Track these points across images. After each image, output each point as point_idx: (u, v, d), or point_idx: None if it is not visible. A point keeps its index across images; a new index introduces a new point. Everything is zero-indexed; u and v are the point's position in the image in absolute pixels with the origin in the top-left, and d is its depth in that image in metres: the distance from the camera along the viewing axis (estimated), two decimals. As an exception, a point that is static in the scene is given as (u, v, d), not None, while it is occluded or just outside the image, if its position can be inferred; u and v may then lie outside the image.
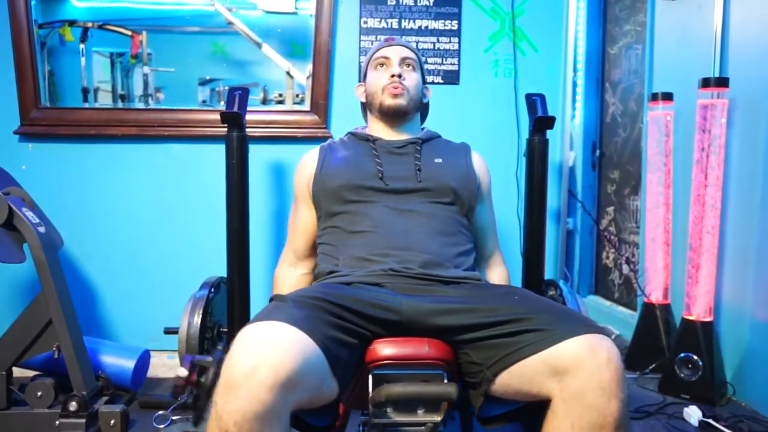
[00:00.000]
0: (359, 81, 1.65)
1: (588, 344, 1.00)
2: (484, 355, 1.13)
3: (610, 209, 3.09)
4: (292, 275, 1.59)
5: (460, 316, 1.15)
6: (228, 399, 0.90)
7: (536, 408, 1.09)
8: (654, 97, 2.40)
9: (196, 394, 1.12)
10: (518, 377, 1.08)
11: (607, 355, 0.98)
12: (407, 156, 1.51)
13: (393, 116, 1.53)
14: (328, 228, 1.45)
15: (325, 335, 1.03)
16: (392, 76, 1.52)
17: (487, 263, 1.62)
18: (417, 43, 2.56)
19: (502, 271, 1.63)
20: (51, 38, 2.71)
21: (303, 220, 1.57)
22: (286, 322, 0.98)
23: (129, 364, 2.16)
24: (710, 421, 1.88)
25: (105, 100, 2.86)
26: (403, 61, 1.55)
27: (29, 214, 1.93)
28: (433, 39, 2.56)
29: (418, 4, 2.56)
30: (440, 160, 1.50)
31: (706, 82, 2.08)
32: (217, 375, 1.04)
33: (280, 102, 2.74)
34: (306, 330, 0.99)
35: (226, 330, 1.94)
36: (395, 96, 1.51)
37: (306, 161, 1.58)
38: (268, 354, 0.92)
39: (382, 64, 1.56)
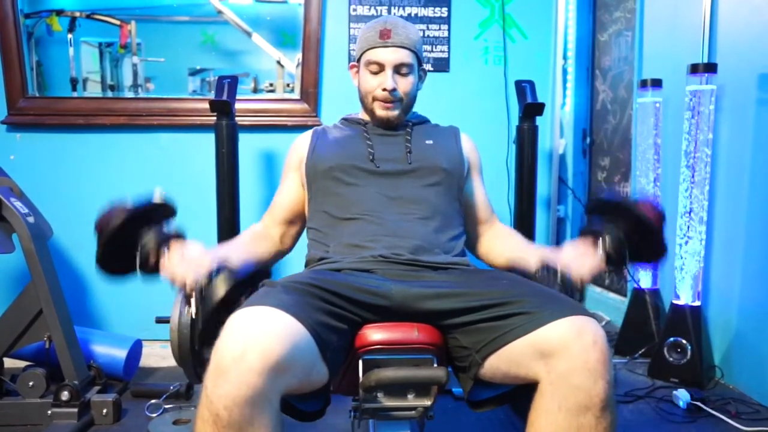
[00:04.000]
0: (350, 63, 1.62)
1: (574, 326, 1.01)
2: (473, 339, 1.13)
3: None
4: (258, 231, 1.54)
5: (449, 301, 1.15)
6: (218, 383, 0.90)
7: (525, 391, 1.10)
8: (643, 84, 2.41)
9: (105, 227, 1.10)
10: (506, 360, 1.09)
11: (593, 337, 0.99)
12: (398, 137, 1.51)
13: (384, 125, 1.52)
14: (318, 212, 1.44)
15: (314, 320, 1.03)
16: (384, 89, 1.45)
17: (493, 225, 1.60)
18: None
19: (508, 227, 1.62)
20: (38, 28, 2.69)
21: (287, 194, 1.54)
22: (276, 307, 0.99)
23: (121, 353, 2.16)
24: (698, 403, 1.90)
25: (94, 90, 2.84)
26: (399, 68, 1.46)
27: (18, 204, 1.92)
28: (423, 26, 2.56)
29: (408, -9, 2.55)
30: (431, 142, 1.50)
31: (694, 68, 2.09)
32: (138, 214, 1.12)
33: (271, 91, 2.73)
34: (295, 315, 0.99)
35: (217, 319, 1.95)
36: (387, 109, 1.48)
37: (298, 143, 1.58)
38: (258, 338, 0.92)
39: (375, 72, 1.47)
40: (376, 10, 2.54)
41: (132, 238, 1.14)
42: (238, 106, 2.09)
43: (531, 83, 2.09)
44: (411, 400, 1.12)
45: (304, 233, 1.54)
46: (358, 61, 1.52)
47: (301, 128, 2.46)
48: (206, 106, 2.03)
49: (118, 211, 1.13)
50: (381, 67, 1.46)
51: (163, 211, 1.22)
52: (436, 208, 1.42)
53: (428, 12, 2.56)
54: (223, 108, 1.98)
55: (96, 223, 1.12)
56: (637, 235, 1.19)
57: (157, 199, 1.17)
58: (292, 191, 1.55)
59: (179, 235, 1.20)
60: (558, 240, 3.02)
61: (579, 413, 0.98)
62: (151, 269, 1.17)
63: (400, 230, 1.35)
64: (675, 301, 2.18)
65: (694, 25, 2.19)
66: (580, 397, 0.97)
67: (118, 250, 1.14)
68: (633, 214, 1.19)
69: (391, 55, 1.45)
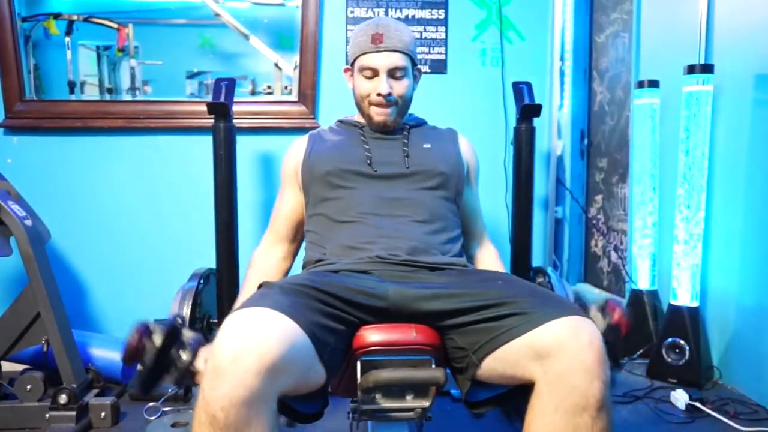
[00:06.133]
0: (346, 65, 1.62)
1: (570, 326, 1.01)
2: (470, 339, 1.13)
3: (599, 197, 3.10)
4: (269, 257, 1.55)
5: (446, 301, 1.15)
6: (214, 385, 0.90)
7: (522, 391, 1.10)
8: (640, 85, 2.42)
9: (141, 358, 1.07)
10: (503, 361, 1.09)
11: (589, 337, 0.99)
12: (395, 141, 1.51)
13: (381, 129, 1.52)
14: (316, 215, 1.44)
15: (311, 321, 1.03)
16: (379, 94, 1.45)
17: (480, 243, 1.61)
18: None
19: (493, 249, 1.62)
20: (36, 31, 2.68)
21: (288, 203, 1.55)
22: (272, 309, 0.99)
23: (119, 356, 2.15)
24: (697, 404, 1.90)
25: (92, 93, 2.84)
26: (392, 72, 1.46)
27: (15, 207, 1.92)
28: (420, 28, 2.56)
29: (405, -7, 2.56)
30: (428, 146, 1.50)
31: (691, 69, 2.09)
32: (167, 339, 1.07)
33: (269, 94, 2.73)
34: (292, 316, 0.99)
35: (215, 321, 1.95)
36: (383, 114, 1.48)
37: (295, 148, 1.58)
38: (254, 339, 0.92)
39: (369, 77, 1.47)
40: (374, 12, 2.55)
41: (166, 361, 1.12)
42: (236, 108, 2.09)
43: (528, 84, 2.10)
44: (409, 401, 1.12)
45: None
46: (352, 65, 1.52)
47: (299, 130, 2.46)
48: (204, 108, 2.03)
49: (149, 343, 1.11)
50: (375, 72, 1.46)
51: (182, 327, 1.19)
52: (433, 211, 1.42)
53: (425, 14, 2.56)
54: (220, 110, 1.98)
55: (125, 352, 1.12)
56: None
57: (178, 322, 1.17)
58: (291, 204, 1.55)
59: (203, 342, 1.17)
60: (556, 240, 3.02)
61: (575, 413, 0.98)
62: (189, 382, 1.14)
63: (397, 232, 1.35)
64: (673, 302, 2.18)
65: (691, 26, 2.19)
66: (577, 398, 0.97)
67: (155, 374, 1.13)
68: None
69: (384, 60, 1.45)
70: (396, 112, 1.49)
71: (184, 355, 1.11)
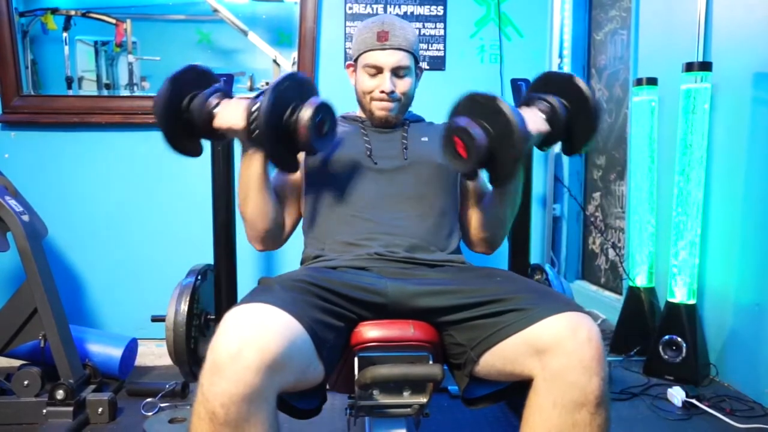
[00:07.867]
0: (346, 62, 1.61)
1: (568, 323, 1.01)
2: (468, 336, 1.14)
3: (597, 195, 3.11)
4: None
5: (444, 298, 1.16)
6: (214, 381, 0.90)
7: (520, 388, 1.10)
8: (639, 83, 2.42)
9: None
10: (501, 357, 1.09)
11: (588, 334, 1.00)
12: (395, 134, 1.51)
13: (383, 124, 1.52)
14: (315, 209, 1.44)
15: (311, 318, 1.03)
16: (382, 92, 1.45)
17: None
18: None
19: None
20: (33, 26, 2.68)
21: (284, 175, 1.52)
22: (272, 305, 0.99)
23: (116, 352, 2.16)
24: (693, 401, 1.91)
25: (90, 89, 2.83)
26: (396, 70, 1.46)
27: (12, 202, 1.91)
28: (419, 25, 2.56)
29: (404, -11, 2.55)
30: (426, 139, 1.51)
31: (689, 67, 2.09)
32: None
33: (267, 90, 2.73)
34: (292, 312, 0.99)
35: (213, 317, 1.95)
36: (385, 109, 1.48)
37: None
38: (254, 336, 0.92)
39: (373, 75, 1.47)
40: (372, 9, 2.54)
41: (182, 105, 1.30)
42: (233, 104, 2.08)
43: (527, 81, 2.09)
44: (407, 398, 1.12)
45: (298, 230, 1.53)
46: (355, 61, 1.52)
47: (297, 127, 2.46)
48: (202, 104, 2.02)
49: (164, 85, 1.28)
50: (379, 70, 1.46)
51: (204, 76, 1.36)
52: (432, 203, 1.42)
53: (424, 10, 2.56)
54: (218, 106, 1.97)
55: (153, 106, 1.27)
56: (575, 105, 1.29)
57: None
58: (288, 177, 1.52)
59: (224, 92, 1.34)
60: (554, 238, 3.02)
61: (574, 410, 0.98)
62: (207, 127, 1.31)
63: (395, 228, 1.36)
64: (670, 299, 2.19)
65: (690, 23, 2.20)
66: (575, 394, 0.98)
67: (175, 119, 1.30)
68: (573, 86, 1.29)
69: (389, 58, 1.45)
70: (398, 109, 1.49)
71: (195, 100, 1.29)
